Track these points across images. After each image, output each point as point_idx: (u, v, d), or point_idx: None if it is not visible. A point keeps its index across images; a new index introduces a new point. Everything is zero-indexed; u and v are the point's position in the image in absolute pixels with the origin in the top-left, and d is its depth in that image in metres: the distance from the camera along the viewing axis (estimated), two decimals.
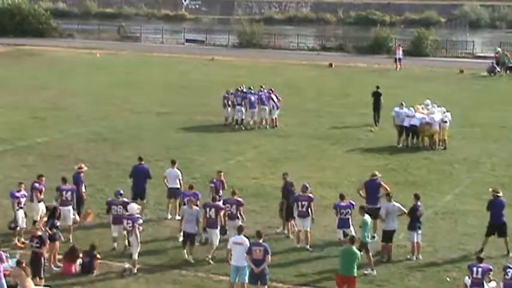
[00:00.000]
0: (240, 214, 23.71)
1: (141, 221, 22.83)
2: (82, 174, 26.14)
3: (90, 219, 25.58)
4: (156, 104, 47.10)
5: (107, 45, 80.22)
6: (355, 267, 20.09)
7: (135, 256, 22.24)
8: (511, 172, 33.16)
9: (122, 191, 24.30)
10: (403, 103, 38.14)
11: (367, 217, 22.61)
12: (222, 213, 23.32)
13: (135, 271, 22.16)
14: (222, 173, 26.21)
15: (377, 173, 25.65)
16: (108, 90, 52.34)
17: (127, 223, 22.57)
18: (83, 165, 26.72)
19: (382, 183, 25.18)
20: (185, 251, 22.93)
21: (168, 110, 45.31)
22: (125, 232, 22.85)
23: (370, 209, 24.36)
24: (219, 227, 23.22)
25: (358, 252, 20.31)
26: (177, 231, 24.10)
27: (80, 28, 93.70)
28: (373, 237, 23.96)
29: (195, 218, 22.80)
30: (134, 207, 23.13)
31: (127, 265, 22.30)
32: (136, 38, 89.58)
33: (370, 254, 22.50)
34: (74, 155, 34.34)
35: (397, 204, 23.56)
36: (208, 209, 23.25)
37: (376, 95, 42.75)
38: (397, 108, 37.88)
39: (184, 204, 23.86)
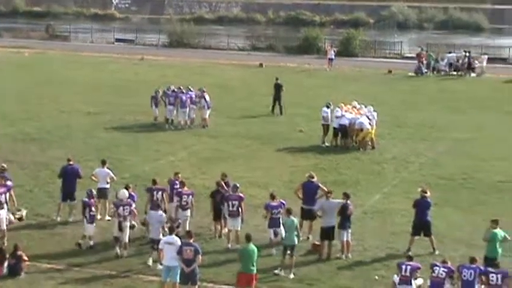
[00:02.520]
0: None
1: (134, 204, 23.32)
2: (6, 174, 25.58)
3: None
4: (85, 104, 46.61)
5: (35, 44, 79.20)
6: (255, 264, 20.37)
7: (126, 239, 23.06)
8: (438, 172, 33.64)
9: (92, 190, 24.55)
10: (330, 103, 38.53)
11: (292, 218, 22.61)
12: (243, 203, 24.17)
13: (126, 254, 22.96)
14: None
15: (314, 174, 25.71)
16: (36, 89, 51.63)
17: (123, 209, 22.92)
18: (4, 165, 26.10)
19: (320, 184, 25.28)
20: None
21: (97, 110, 44.89)
22: (121, 218, 22.98)
23: (306, 210, 24.56)
24: (240, 216, 24.07)
25: (255, 248, 20.54)
26: (106, 231, 23.89)
27: (8, 27, 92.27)
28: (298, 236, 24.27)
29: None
30: (126, 193, 23.43)
31: (119, 250, 22.92)
32: (65, 37, 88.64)
33: (294, 257, 22.55)
34: (1, 155, 33.76)
35: (335, 201, 23.75)
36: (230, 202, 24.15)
37: (277, 87, 44.82)
38: (324, 108, 38.21)
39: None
